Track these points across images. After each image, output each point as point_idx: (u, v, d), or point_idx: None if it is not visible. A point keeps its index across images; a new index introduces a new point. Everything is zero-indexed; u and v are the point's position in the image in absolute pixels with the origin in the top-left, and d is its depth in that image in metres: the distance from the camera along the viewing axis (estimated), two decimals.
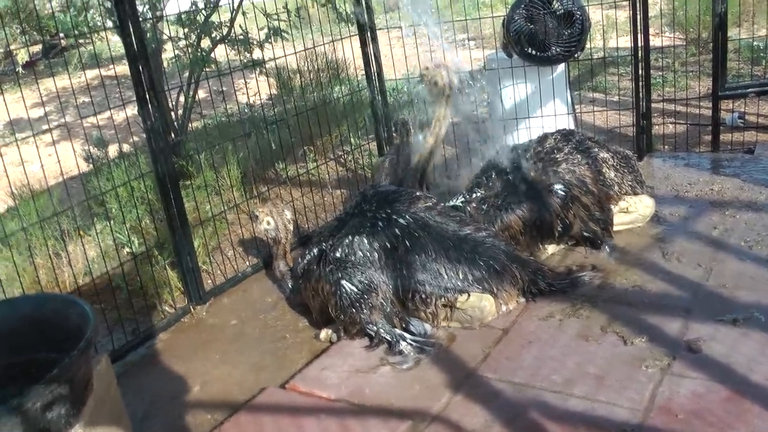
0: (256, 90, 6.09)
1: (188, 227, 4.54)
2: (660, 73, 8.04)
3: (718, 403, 3.01)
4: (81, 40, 7.22)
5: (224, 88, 7.11)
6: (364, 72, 6.11)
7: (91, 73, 5.80)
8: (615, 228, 4.59)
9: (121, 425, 3.26)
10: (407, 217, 3.93)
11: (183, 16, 6.08)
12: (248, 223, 4.99)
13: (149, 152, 4.33)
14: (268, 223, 4.39)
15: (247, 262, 5.14)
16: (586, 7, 5.88)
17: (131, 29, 4.10)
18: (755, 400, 2.99)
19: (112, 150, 7.17)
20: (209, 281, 4.92)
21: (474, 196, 4.46)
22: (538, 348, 3.59)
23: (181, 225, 4.47)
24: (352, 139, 6.66)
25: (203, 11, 6.24)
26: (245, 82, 6.51)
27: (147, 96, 4.19)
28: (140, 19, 4.30)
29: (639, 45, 5.71)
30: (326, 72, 7.34)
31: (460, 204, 4.43)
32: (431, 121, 4.65)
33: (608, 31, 7.48)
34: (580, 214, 4.43)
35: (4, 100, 3.99)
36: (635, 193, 4.72)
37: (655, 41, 9.53)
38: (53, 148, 4.81)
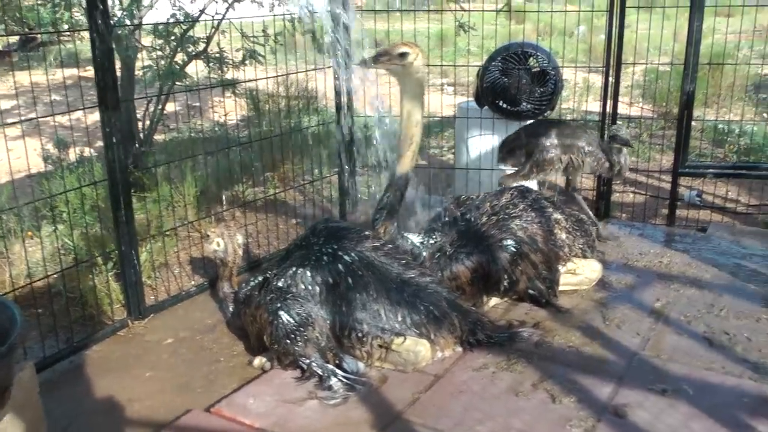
0: (228, 110, 6.12)
1: (135, 239, 4.53)
2: None
3: None
4: (57, 37, 7.20)
5: (198, 104, 7.14)
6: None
7: (69, 72, 5.78)
8: (561, 288, 4.65)
9: None
10: (353, 254, 3.97)
11: (160, 27, 6.11)
12: (200, 242, 4.99)
13: (104, 159, 4.33)
14: (218, 245, 4.39)
15: (193, 281, 5.14)
16: (561, 69, 6.02)
17: (96, 34, 4.09)
18: None
19: (76, 152, 7.14)
20: (152, 297, 4.90)
21: (431, 240, 4.51)
22: (468, 398, 3.62)
23: (129, 237, 4.46)
24: (315, 170, 6.71)
25: (182, 25, 6.28)
26: (220, 100, 6.54)
27: (107, 101, 4.18)
28: (114, 24, 4.31)
29: (608, 111, 5.85)
30: (298, 101, 7.39)
31: (419, 244, 4.47)
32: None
33: (585, 94, 7.64)
34: (528, 272, 4.49)
35: None
36: (585, 257, 4.80)
37: (628, 110, 9.76)
38: (19, 142, 4.79)
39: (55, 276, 4.58)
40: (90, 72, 4.23)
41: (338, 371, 3.78)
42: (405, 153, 4.50)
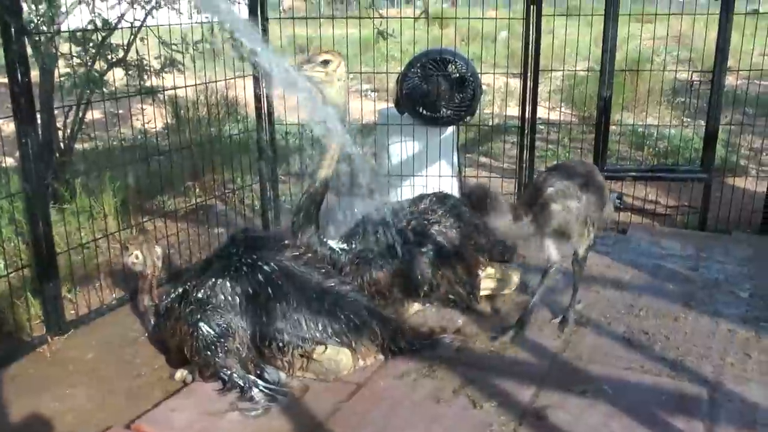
0: (151, 118, 6.04)
1: (54, 253, 4.44)
2: (550, 146, 8.38)
3: None
4: None
5: (120, 111, 7.04)
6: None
7: None
8: (481, 293, 4.73)
9: None
10: (272, 264, 3.98)
11: (78, 34, 6.01)
12: (120, 254, 4.92)
13: (21, 171, 4.24)
14: (137, 257, 4.33)
15: (114, 295, 5.06)
16: (481, 75, 6.11)
17: (8, 41, 4.01)
18: None
19: None
20: (72, 311, 4.81)
21: (352, 246, 4.54)
22: (389, 406, 3.66)
23: (47, 249, 4.38)
24: (238, 179, 6.68)
25: (100, 32, 6.18)
26: (142, 108, 6.46)
27: (22, 112, 4.11)
28: (30, 31, 4.20)
29: (526, 116, 5.96)
30: (219, 108, 7.35)
31: (339, 250, 4.49)
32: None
33: (506, 99, 7.76)
34: (448, 276, 4.55)
35: None
36: (505, 261, 4.88)
37: (550, 114, 9.94)
38: None
39: None
40: (6, 79, 4.15)
41: (259, 382, 3.79)
42: (323, 160, 4.52)
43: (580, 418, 3.51)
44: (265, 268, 3.95)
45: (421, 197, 4.81)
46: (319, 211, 4.59)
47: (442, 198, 4.78)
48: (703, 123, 6.48)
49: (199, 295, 3.88)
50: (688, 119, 9.03)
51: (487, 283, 4.75)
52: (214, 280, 3.91)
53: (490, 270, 4.77)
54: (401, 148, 6.03)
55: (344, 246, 4.57)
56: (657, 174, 6.70)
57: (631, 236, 6.04)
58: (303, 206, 4.51)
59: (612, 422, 3.47)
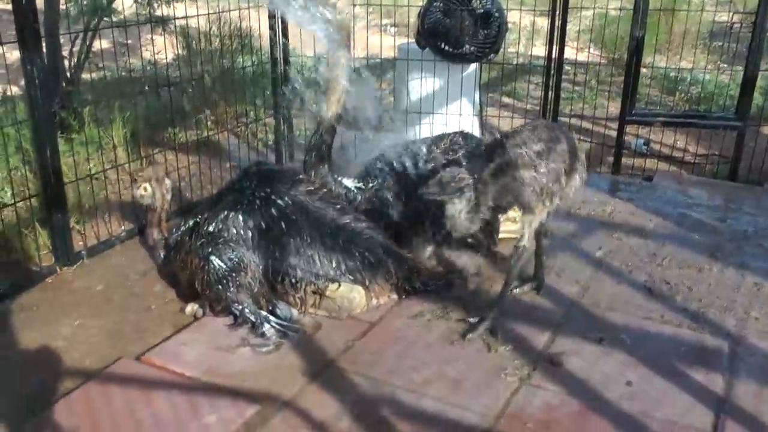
0: (161, 48, 6.05)
1: (62, 183, 4.52)
2: (576, 88, 8.35)
3: (568, 415, 3.22)
4: None
5: (129, 41, 7.05)
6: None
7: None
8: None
9: None
10: (286, 198, 4.03)
11: None
12: (129, 186, 4.99)
13: (27, 98, 4.30)
14: (145, 189, 4.37)
15: (123, 227, 5.15)
16: (507, 11, 6.07)
17: None
18: (604, 417, 3.22)
19: None
20: (80, 242, 4.90)
21: (369, 185, 4.59)
22: (403, 345, 3.75)
23: (55, 180, 4.46)
24: (251, 113, 6.71)
25: None
26: (151, 38, 6.46)
27: (26, 38, 4.13)
28: None
29: (553, 56, 5.95)
30: (232, 40, 7.34)
31: (354, 189, 4.54)
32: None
33: (531, 38, 7.73)
34: None
35: None
36: None
37: (578, 55, 9.87)
38: None
39: None
40: (9, 4, 4.18)
41: (271, 318, 3.88)
42: (331, 96, 4.54)
43: (596, 365, 3.59)
44: (279, 202, 4.01)
45: (442, 136, 4.82)
46: (331, 149, 4.64)
47: (463, 137, 4.79)
48: (740, 68, 6.43)
49: (211, 229, 3.94)
50: (725, 64, 8.95)
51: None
52: (226, 213, 3.97)
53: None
54: (421, 85, 6.03)
55: (360, 185, 4.61)
56: (688, 120, 6.71)
57: (656, 184, 6.07)
58: (314, 145, 4.55)
59: (628, 371, 3.54)
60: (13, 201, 4.68)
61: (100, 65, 6.95)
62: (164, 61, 6.63)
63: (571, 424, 3.18)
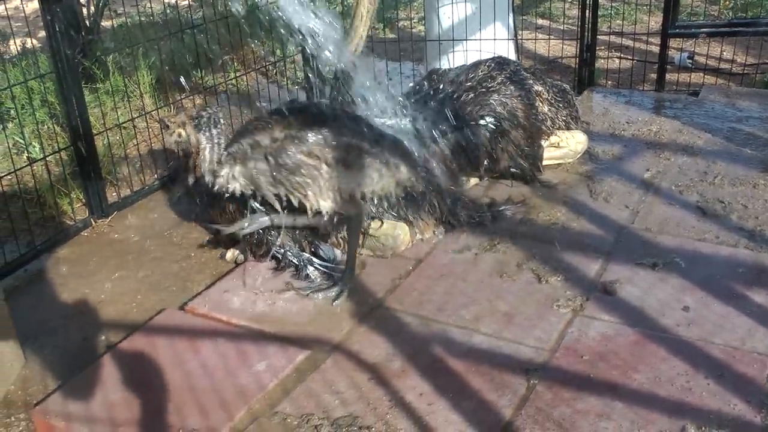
0: None
1: (91, 134, 4.52)
2: (613, 4, 8.16)
3: (625, 346, 3.18)
4: None
5: None
6: None
7: None
8: (544, 163, 4.72)
9: (8, 346, 3.32)
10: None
11: None
12: (159, 133, 4.98)
13: (49, 50, 4.27)
14: (179, 135, 4.35)
15: (156, 175, 5.14)
16: None
17: None
18: (661, 345, 3.17)
19: (17, 43, 7.03)
20: (113, 193, 4.92)
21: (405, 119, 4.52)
22: (450, 282, 3.72)
23: (84, 131, 4.45)
24: (278, 51, 6.64)
25: None
26: None
27: None
28: None
29: None
30: None
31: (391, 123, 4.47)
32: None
33: None
34: (509, 149, 4.53)
35: None
36: (569, 129, 4.84)
37: None
38: None
39: (8, 177, 4.58)
40: None
41: (314, 259, 3.87)
42: (354, 20, 4.42)
43: (650, 292, 3.54)
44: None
45: (479, 63, 4.71)
46: (350, 86, 4.54)
47: (501, 64, 4.68)
48: None
49: None
50: None
51: (550, 152, 4.73)
52: None
53: (554, 138, 4.74)
54: (452, 11, 5.91)
55: (394, 121, 4.54)
56: (735, 29, 6.54)
57: (703, 98, 5.92)
58: (340, 75, 4.47)
59: (684, 296, 3.49)
60: (42, 155, 4.69)
61: (118, 11, 6.90)
62: (184, 3, 6.55)
63: (629, 354, 3.13)
